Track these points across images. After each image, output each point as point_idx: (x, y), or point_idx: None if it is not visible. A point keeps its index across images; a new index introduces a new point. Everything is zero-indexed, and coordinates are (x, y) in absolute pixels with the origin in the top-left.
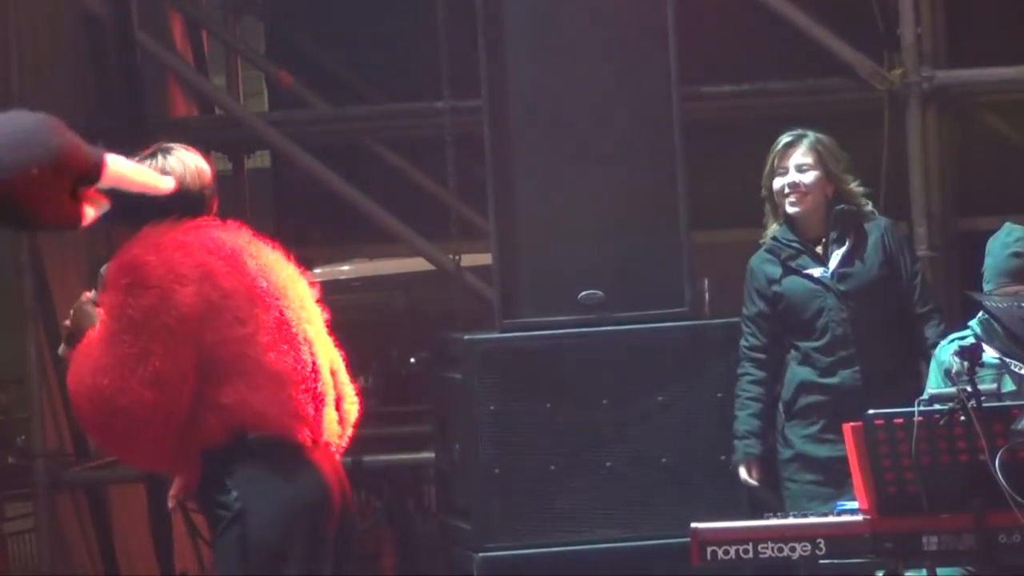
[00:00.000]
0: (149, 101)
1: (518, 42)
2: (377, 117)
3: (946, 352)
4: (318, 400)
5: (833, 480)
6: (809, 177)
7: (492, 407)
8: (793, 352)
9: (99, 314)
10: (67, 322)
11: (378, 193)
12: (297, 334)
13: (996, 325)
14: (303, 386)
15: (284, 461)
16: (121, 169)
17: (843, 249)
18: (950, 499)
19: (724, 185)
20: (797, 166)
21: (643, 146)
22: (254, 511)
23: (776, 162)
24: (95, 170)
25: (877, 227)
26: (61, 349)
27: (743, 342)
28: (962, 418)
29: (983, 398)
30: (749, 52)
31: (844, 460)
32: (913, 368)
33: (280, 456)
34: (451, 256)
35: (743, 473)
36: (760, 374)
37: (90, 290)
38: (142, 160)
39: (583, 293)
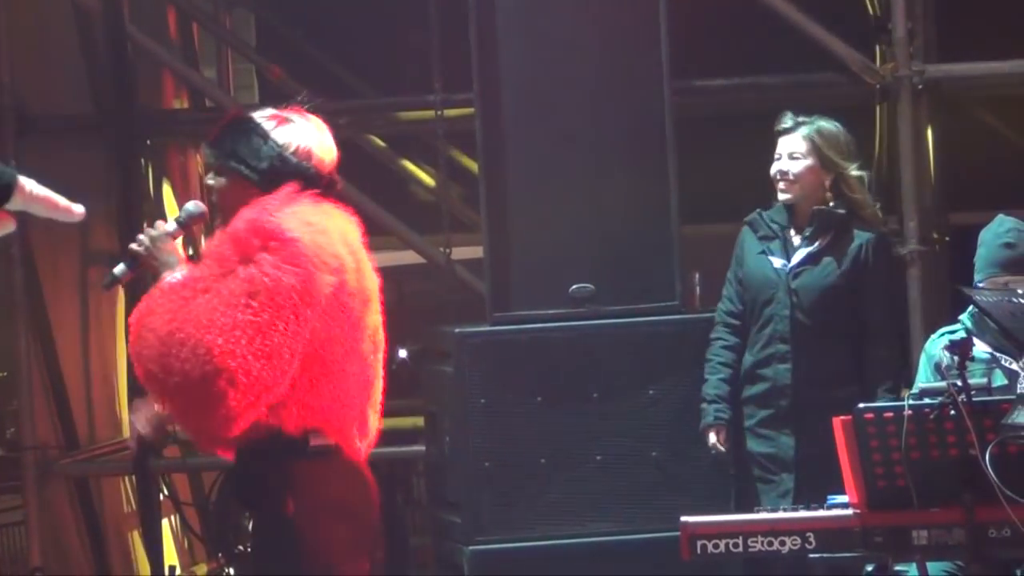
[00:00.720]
0: (143, 93)
1: (510, 35)
2: (368, 110)
3: (936, 346)
4: (375, 409)
5: (762, 476)
6: (798, 166)
7: (483, 400)
8: (749, 335)
9: (179, 252)
10: (135, 246)
11: (369, 186)
12: (377, 342)
13: (987, 318)
14: (371, 397)
15: (338, 469)
16: (34, 192)
17: (809, 248)
18: (940, 493)
19: (715, 179)
20: (789, 153)
21: (634, 140)
22: (304, 516)
23: (776, 147)
24: (4, 191)
25: (861, 238)
26: (119, 269)
27: (720, 305)
28: (952, 412)
29: (973, 392)
30: (741, 46)
31: (773, 457)
32: (852, 379)
33: (334, 464)
34: (442, 249)
35: (711, 438)
36: (733, 339)
37: (163, 220)
38: (264, 123)
39: (574, 286)
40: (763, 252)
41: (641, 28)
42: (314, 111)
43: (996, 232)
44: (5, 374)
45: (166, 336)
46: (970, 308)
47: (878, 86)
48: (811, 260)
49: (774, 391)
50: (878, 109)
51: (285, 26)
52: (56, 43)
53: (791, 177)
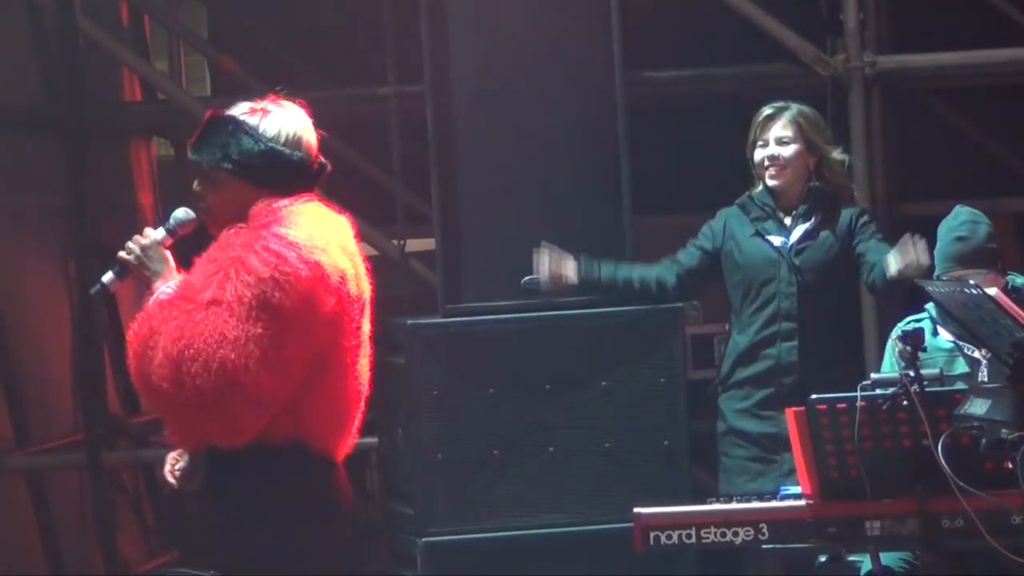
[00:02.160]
0: (98, 87)
1: (461, 27)
2: (321, 102)
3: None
4: (360, 415)
5: (762, 456)
6: (789, 150)
7: (435, 392)
8: (733, 320)
9: (170, 261)
10: (124, 254)
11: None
12: (366, 349)
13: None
14: (361, 406)
15: (323, 480)
16: None
17: (807, 224)
18: (893, 484)
19: (667, 170)
20: (777, 139)
21: (586, 131)
22: (280, 518)
23: (757, 133)
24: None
25: (847, 212)
26: (107, 277)
27: (672, 255)
28: (905, 403)
29: (926, 383)
30: (693, 37)
31: (775, 437)
32: (854, 354)
33: (319, 474)
34: (396, 242)
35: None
36: (662, 270)
37: (152, 227)
38: (248, 119)
39: (526, 278)
40: (756, 233)
41: (593, 18)
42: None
43: (949, 226)
44: None
45: (177, 354)
46: None
47: (830, 77)
48: (810, 236)
49: (777, 370)
50: (830, 100)
51: (237, 18)
52: (7, 36)
53: (782, 162)
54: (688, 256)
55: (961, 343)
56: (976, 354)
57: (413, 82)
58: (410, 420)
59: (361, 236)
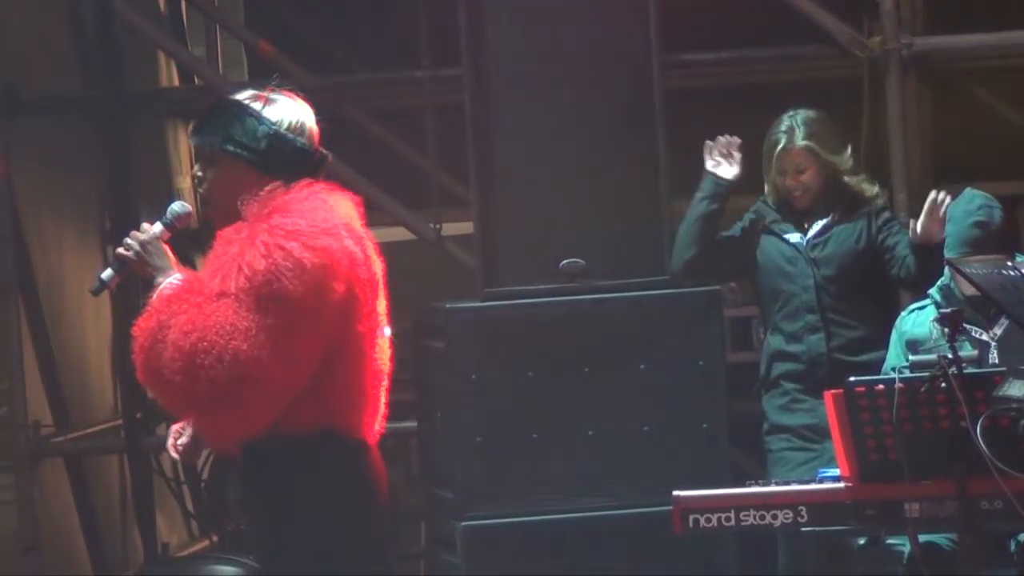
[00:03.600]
0: (136, 72)
1: (498, 10)
2: (357, 86)
3: (907, 323)
4: (386, 393)
5: (803, 446)
6: (808, 176)
7: (474, 376)
8: (767, 322)
9: (171, 255)
10: (122, 250)
11: (358, 162)
12: (383, 327)
13: (956, 292)
14: (384, 384)
15: (356, 463)
16: None
17: (825, 220)
18: (932, 466)
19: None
20: (796, 168)
21: (624, 114)
22: (322, 513)
23: (776, 161)
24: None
25: (867, 205)
26: (106, 274)
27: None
28: (943, 385)
29: (964, 365)
30: (730, 20)
31: (814, 427)
32: (880, 343)
33: (352, 458)
34: (432, 225)
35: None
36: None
37: (151, 222)
38: (252, 104)
39: (564, 261)
40: (771, 233)
41: (630, 2)
42: (301, 87)
43: (965, 210)
44: None
45: (189, 346)
46: (939, 282)
47: (866, 59)
48: (827, 230)
49: (809, 363)
50: (866, 82)
51: (273, 2)
52: (45, 22)
53: (802, 189)
54: (731, 230)
55: (968, 325)
56: (984, 336)
57: (449, 65)
58: (449, 404)
59: (398, 219)
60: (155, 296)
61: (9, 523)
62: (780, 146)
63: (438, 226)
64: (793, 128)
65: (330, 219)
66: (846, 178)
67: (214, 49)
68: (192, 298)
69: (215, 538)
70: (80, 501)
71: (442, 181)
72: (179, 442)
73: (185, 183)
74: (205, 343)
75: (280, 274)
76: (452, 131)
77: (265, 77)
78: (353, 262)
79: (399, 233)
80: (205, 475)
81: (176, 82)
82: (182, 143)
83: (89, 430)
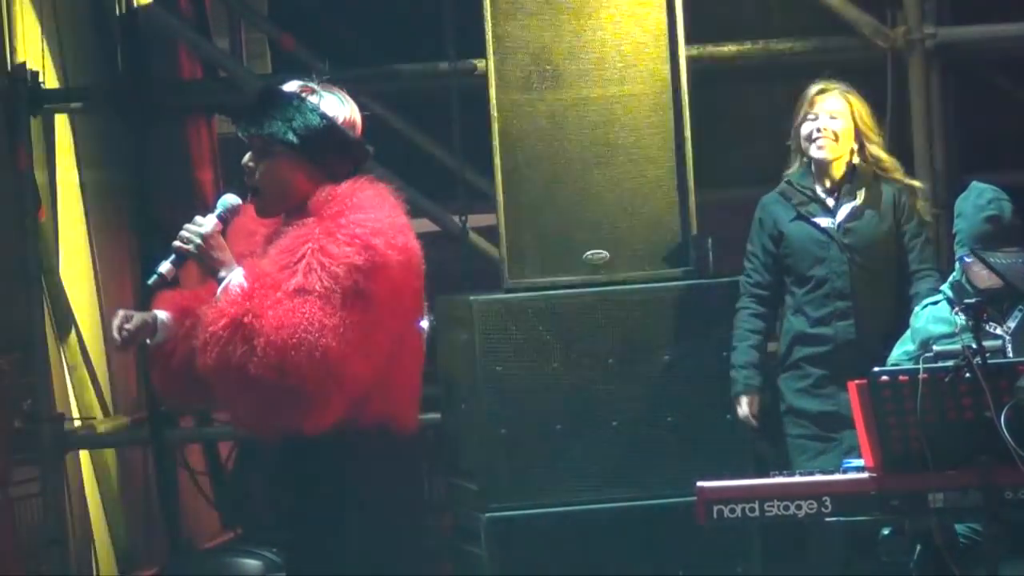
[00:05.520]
0: (159, 65)
1: (522, 2)
2: (381, 79)
3: (920, 319)
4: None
5: (821, 435)
6: (839, 124)
7: (498, 367)
8: (789, 301)
9: (228, 248)
10: (180, 243)
11: (382, 155)
12: (421, 320)
13: (968, 286)
14: (422, 367)
15: (403, 453)
16: None
17: (854, 203)
18: (956, 456)
19: (729, 144)
20: (829, 113)
21: (649, 105)
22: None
23: (807, 107)
24: None
25: (891, 187)
26: (165, 267)
27: (745, 278)
28: (967, 375)
29: (988, 355)
30: (754, 11)
31: (834, 415)
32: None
33: (408, 450)
34: (457, 217)
35: (743, 406)
36: (760, 308)
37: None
38: (300, 95)
39: (588, 253)
40: (799, 217)
41: None
42: (329, 80)
43: (976, 204)
44: (22, 347)
45: (281, 343)
46: (950, 278)
47: (890, 50)
48: (857, 214)
49: (835, 349)
50: (890, 73)
51: None
52: (69, 15)
53: (831, 135)
54: (758, 273)
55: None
56: (998, 330)
57: (473, 57)
58: (473, 396)
59: (422, 212)
60: (224, 290)
61: (34, 516)
62: (817, 87)
63: (463, 218)
64: (833, 81)
65: (400, 215)
66: (874, 151)
67: (238, 42)
68: (271, 293)
69: (240, 530)
70: (104, 494)
71: (466, 173)
72: (126, 325)
73: (207, 176)
74: (295, 340)
75: (366, 271)
76: (476, 123)
77: (288, 70)
78: (420, 258)
79: (423, 225)
80: (229, 467)
81: (200, 75)
82: (204, 136)
83: (114, 423)
